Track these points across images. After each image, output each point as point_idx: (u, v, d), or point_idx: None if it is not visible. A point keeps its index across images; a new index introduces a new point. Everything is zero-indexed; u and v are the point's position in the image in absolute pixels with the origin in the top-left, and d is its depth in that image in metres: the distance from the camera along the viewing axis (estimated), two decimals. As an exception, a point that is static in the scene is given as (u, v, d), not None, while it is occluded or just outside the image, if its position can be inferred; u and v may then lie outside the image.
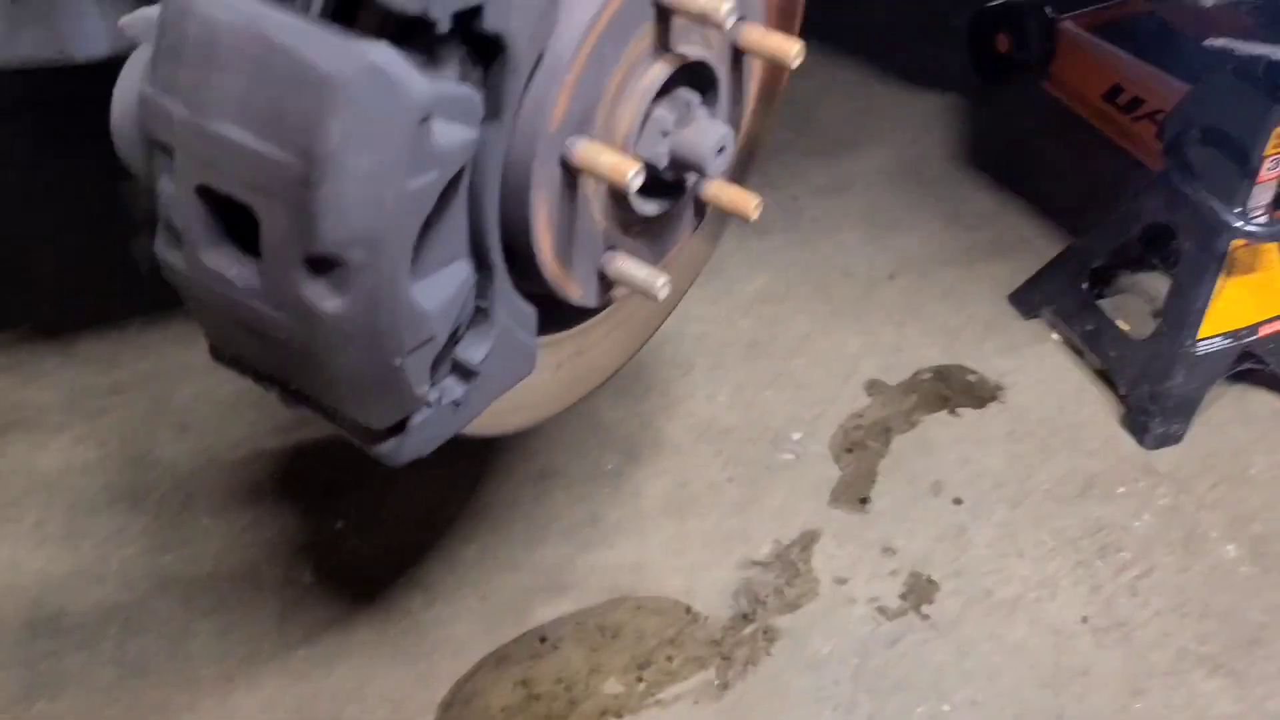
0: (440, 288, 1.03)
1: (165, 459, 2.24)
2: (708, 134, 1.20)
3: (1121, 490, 2.17)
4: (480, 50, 0.98)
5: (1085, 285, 2.38)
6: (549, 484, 2.20)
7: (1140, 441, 2.24)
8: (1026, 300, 2.50)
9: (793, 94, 3.17)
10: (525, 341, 1.19)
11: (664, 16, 1.17)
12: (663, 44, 1.19)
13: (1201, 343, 2.16)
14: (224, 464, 2.23)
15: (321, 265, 0.93)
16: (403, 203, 0.93)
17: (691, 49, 1.22)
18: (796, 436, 2.28)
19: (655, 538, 2.10)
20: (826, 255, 2.67)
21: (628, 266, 1.24)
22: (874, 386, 2.38)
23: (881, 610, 1.98)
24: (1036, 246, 2.67)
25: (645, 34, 1.17)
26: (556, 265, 1.19)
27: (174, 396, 2.36)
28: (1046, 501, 2.15)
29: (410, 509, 2.15)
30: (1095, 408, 2.32)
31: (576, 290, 1.24)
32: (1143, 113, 2.78)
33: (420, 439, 1.12)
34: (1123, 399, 2.29)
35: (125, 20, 1.15)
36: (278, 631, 1.96)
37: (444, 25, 0.91)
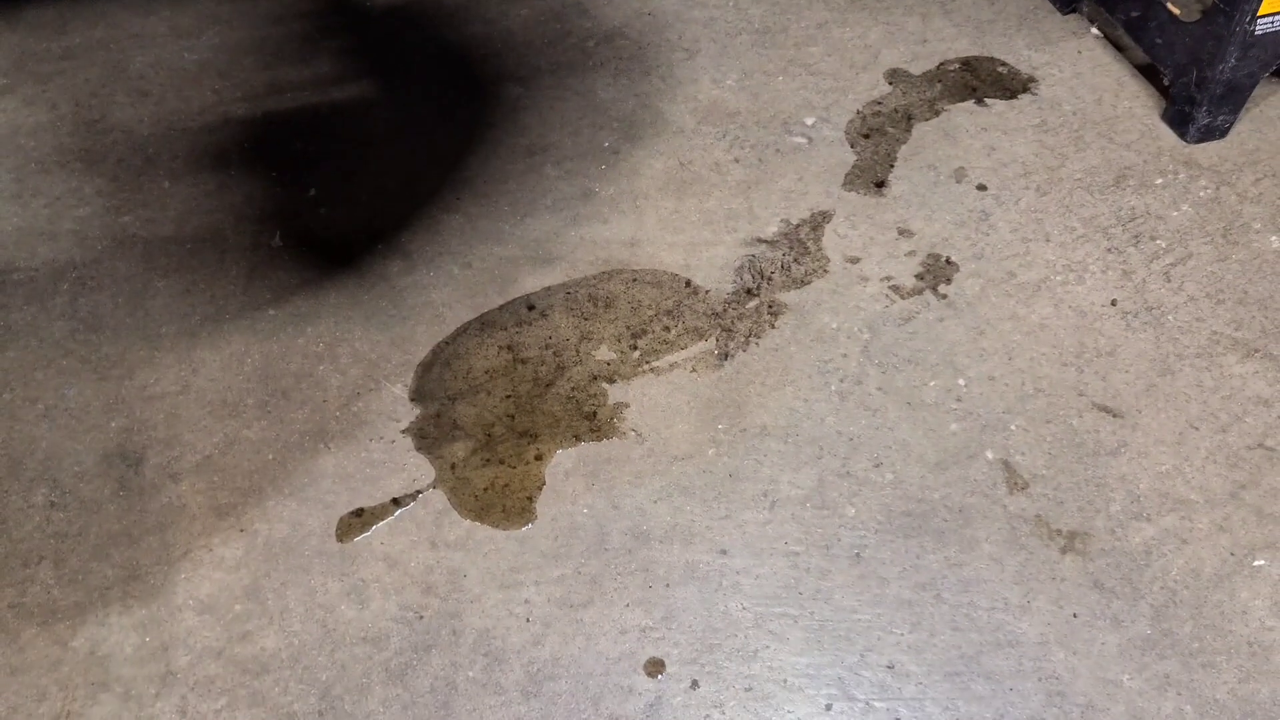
0: None
1: (122, 123, 2.06)
2: None
3: (1159, 181, 2.00)
4: None
5: (1133, -32, 2.17)
6: (539, 159, 2.02)
7: (1182, 135, 2.06)
8: (1066, -9, 2.29)
9: None
10: None
11: None
12: None
13: (1261, 20, 1.96)
14: (187, 130, 2.05)
15: None
16: None
17: None
18: (810, 121, 2.09)
19: (652, 214, 1.94)
20: (848, -55, 2.44)
21: None
22: (896, 75, 2.18)
23: (895, 289, 1.84)
24: (1078, -57, 2.44)
25: None
26: None
27: (130, 64, 2.17)
28: (1077, 190, 1.98)
29: (388, 179, 1.98)
30: (1134, 102, 2.13)
31: None
32: None
33: None
34: (1166, 90, 2.11)
35: None
36: (244, 293, 1.82)
37: None
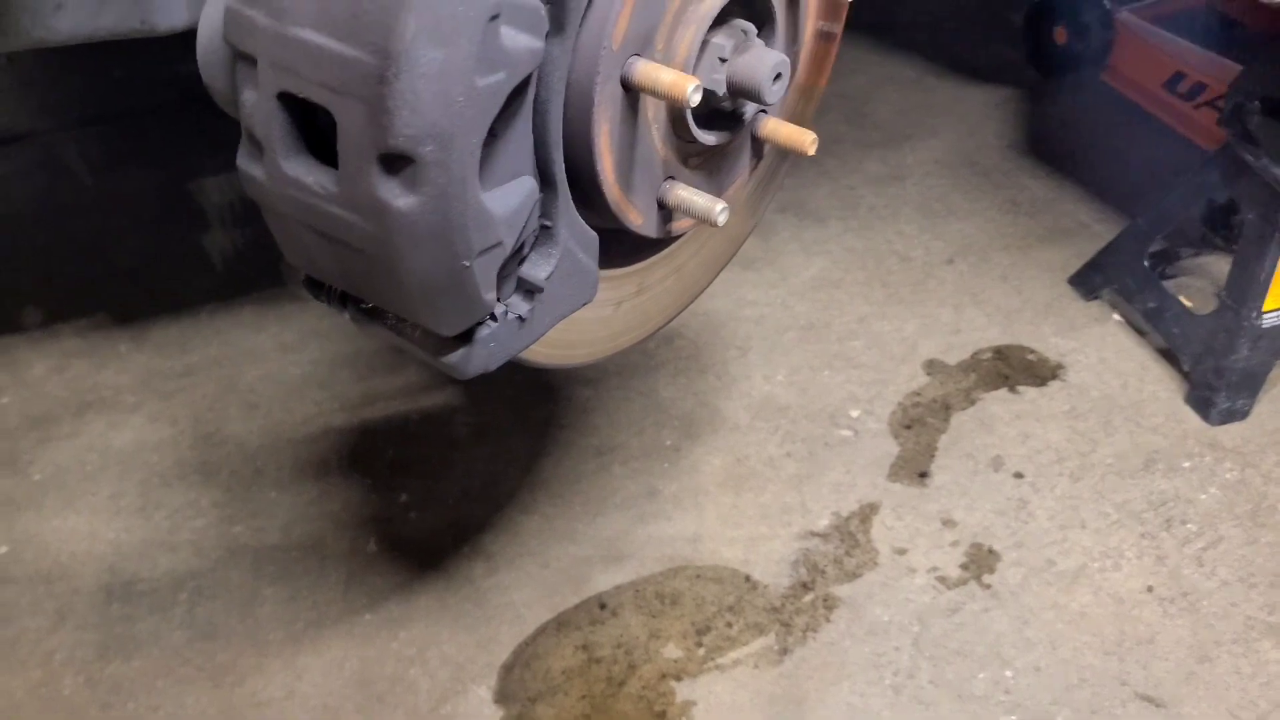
0: (507, 198, 1.06)
1: (235, 436, 2.30)
2: (764, 60, 1.22)
3: (1187, 465, 2.14)
4: None
5: (1147, 263, 2.37)
6: (607, 459, 2.22)
7: (1205, 417, 2.21)
8: (1087, 281, 2.49)
9: (847, 89, 3.21)
10: (588, 265, 1.21)
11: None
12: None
13: (1267, 315, 2.14)
14: (292, 440, 2.29)
15: (395, 163, 0.97)
16: (472, 100, 0.97)
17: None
18: (855, 414, 2.28)
19: (712, 510, 2.11)
20: (883, 241, 2.69)
21: (687, 193, 1.27)
22: (932, 366, 2.37)
23: (942, 580, 1.97)
24: (1095, 231, 2.66)
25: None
26: (617, 189, 1.22)
27: (243, 378, 2.43)
28: (1109, 476, 2.13)
29: (471, 483, 2.19)
30: (1158, 385, 2.30)
31: (637, 216, 1.27)
32: (1205, 99, 2.77)
33: (486, 352, 1.15)
34: (1186, 375, 2.27)
35: None
36: (343, 598, 2.00)
37: None
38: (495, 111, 1.00)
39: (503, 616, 1.95)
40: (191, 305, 2.60)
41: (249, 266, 2.71)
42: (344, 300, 1.21)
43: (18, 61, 3.46)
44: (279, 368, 2.45)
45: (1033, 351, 2.39)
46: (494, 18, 0.96)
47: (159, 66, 3.41)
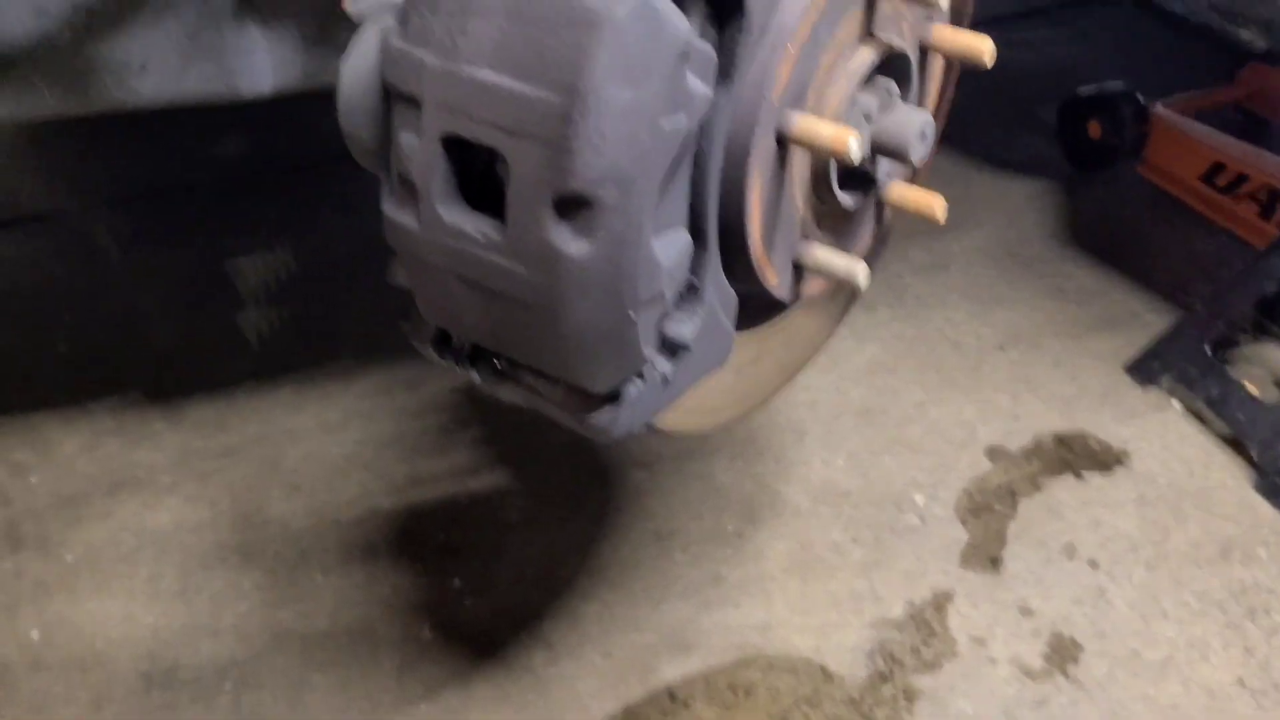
0: (668, 249, 1.02)
1: (277, 518, 2.21)
2: (913, 119, 1.20)
3: (1263, 554, 2.09)
4: (720, 9, 1.00)
5: (1208, 351, 2.34)
6: (668, 544, 2.15)
7: (1276, 505, 2.16)
8: (1145, 369, 2.46)
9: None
10: (727, 327, 1.17)
11: (872, 2, 1.19)
12: (867, 30, 1.21)
13: (1338, 404, 2.11)
14: (337, 523, 2.20)
15: (570, 206, 0.92)
16: (657, 142, 0.93)
17: (894, 38, 1.24)
18: (919, 500, 2.22)
19: (780, 598, 2.03)
20: (934, 328, 2.66)
21: (826, 254, 1.23)
22: (994, 452, 2.33)
23: (1025, 671, 1.90)
24: (1146, 320, 2.65)
25: (854, 17, 1.18)
26: (761, 247, 1.18)
27: (284, 458, 2.35)
28: (1185, 564, 2.07)
29: (527, 568, 2.11)
30: (1225, 473, 2.25)
31: (774, 277, 1.22)
32: (1245, 191, 2.79)
33: (633, 412, 1.09)
34: (1254, 463, 2.23)
35: (349, 3, 1.17)
36: (397, 686, 1.90)
37: None
38: (673, 156, 0.96)
39: (567, 708, 1.86)
40: (228, 384, 2.53)
41: (286, 345, 2.65)
42: (473, 359, 1.15)
43: (45, 139, 3.44)
44: (321, 448, 2.37)
45: (1095, 438, 2.35)
46: (683, 56, 0.93)
47: (190, 145, 3.40)
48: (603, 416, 1.10)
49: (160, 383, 2.53)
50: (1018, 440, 2.35)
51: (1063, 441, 2.35)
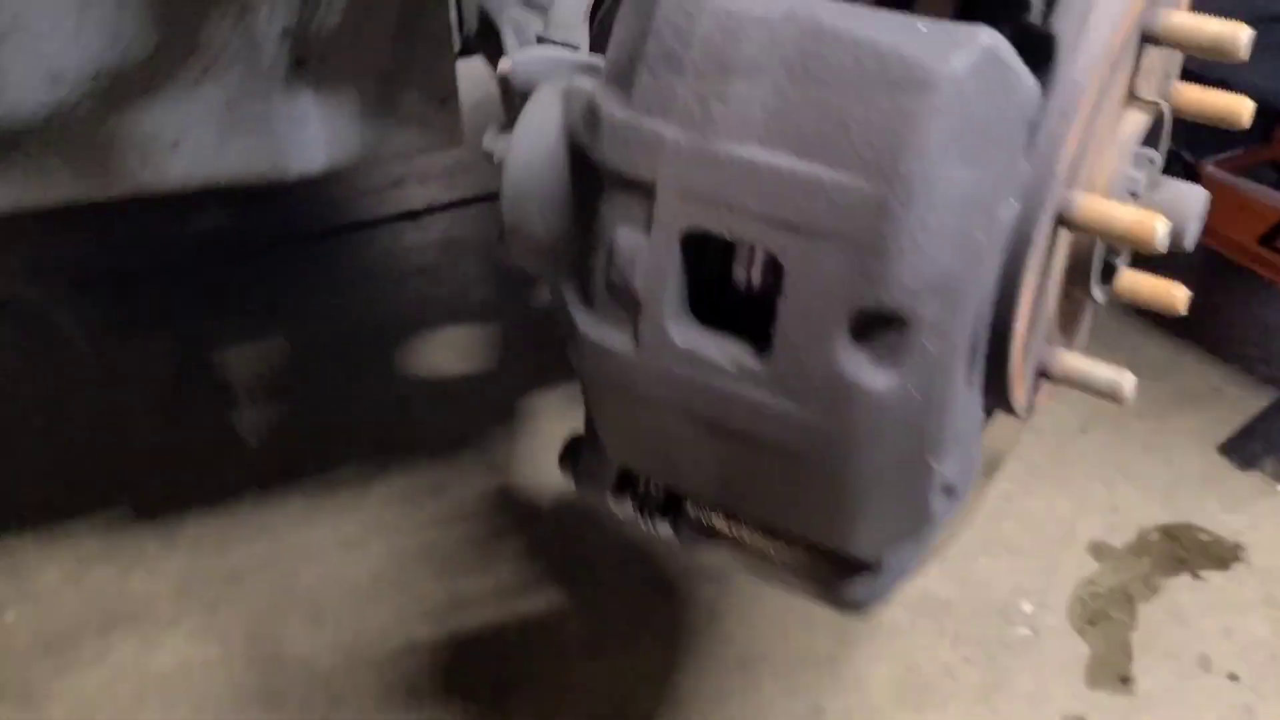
0: None
1: (300, 654, 1.91)
2: (1193, 196, 0.98)
3: None
4: (1029, 54, 0.76)
5: (1318, 430, 2.16)
6: (754, 672, 1.88)
7: None
8: (1244, 451, 2.26)
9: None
10: (976, 457, 0.93)
11: (1141, 52, 0.96)
12: (1131, 89, 0.98)
13: None
14: (370, 659, 1.91)
15: (872, 326, 0.68)
16: (991, 237, 0.69)
17: (1160, 100, 1.01)
18: (1028, 608, 1.99)
19: (893, 732, 1.78)
20: (1005, 410, 2.44)
21: (1085, 364, 0.99)
22: (1099, 549, 2.10)
23: (1187, 813, 1.66)
24: (1229, 395, 2.46)
25: (1126, 71, 0.96)
26: (1021, 355, 0.93)
27: (300, 582, 2.05)
28: (1336, 675, 1.86)
29: (598, 706, 1.83)
30: (1354, 566, 2.05)
31: (1021, 391, 0.98)
32: (1312, 254, 2.63)
33: (895, 579, 0.85)
34: (1386, 555, 2.03)
35: (509, 64, 0.92)
36: None
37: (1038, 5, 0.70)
38: (1004, 253, 0.73)
39: None
40: (227, 495, 2.23)
41: (290, 447, 2.36)
42: (665, 510, 0.89)
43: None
44: (341, 568, 2.08)
45: (1203, 530, 2.14)
46: (1034, 125, 0.69)
47: (160, 221, 3.10)
48: (860, 588, 0.85)
49: (148, 496, 2.23)
50: (1121, 535, 2.13)
51: (1170, 535, 2.13)
